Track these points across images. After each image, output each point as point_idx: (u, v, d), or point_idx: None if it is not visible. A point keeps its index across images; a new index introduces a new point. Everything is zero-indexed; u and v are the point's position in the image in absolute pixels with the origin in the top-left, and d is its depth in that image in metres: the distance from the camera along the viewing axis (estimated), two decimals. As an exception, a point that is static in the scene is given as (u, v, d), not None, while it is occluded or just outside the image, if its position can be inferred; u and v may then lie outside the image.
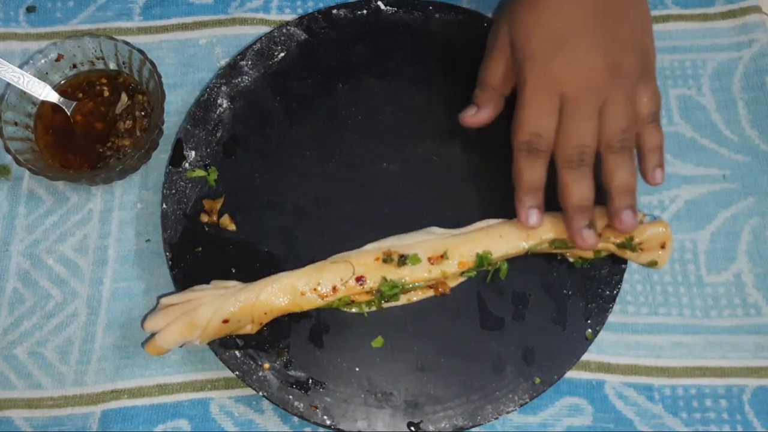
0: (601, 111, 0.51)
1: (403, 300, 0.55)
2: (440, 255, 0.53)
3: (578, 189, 0.52)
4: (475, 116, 0.57)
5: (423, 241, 0.54)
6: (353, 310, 0.55)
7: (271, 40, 0.63)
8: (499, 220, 0.56)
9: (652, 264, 0.55)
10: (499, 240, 0.54)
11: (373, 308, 0.55)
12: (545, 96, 0.51)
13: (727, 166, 0.62)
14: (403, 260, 0.53)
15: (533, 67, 0.52)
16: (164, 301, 0.52)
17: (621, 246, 0.54)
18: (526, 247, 0.54)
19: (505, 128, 0.60)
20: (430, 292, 0.55)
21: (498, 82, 0.56)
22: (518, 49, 0.53)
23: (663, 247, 0.54)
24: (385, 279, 0.53)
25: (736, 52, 0.66)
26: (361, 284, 0.52)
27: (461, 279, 0.56)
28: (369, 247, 0.55)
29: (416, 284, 0.54)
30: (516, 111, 0.53)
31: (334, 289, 0.52)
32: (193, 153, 0.60)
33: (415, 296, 0.55)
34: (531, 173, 0.53)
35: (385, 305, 0.55)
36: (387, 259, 0.53)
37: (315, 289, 0.52)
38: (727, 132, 0.63)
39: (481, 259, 0.54)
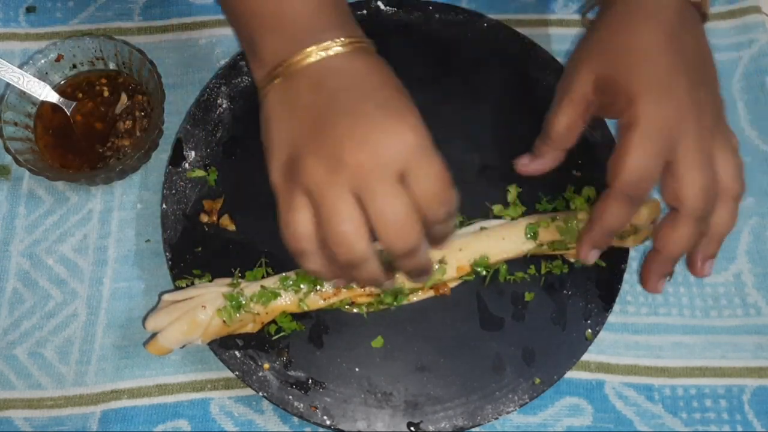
0: (711, 152, 0.48)
1: (403, 301, 0.55)
2: (439, 260, 0.53)
3: (690, 241, 0.49)
4: (529, 166, 0.55)
5: None
6: (354, 310, 0.55)
7: (271, 40, 0.63)
8: (499, 221, 0.56)
9: (646, 239, 0.55)
10: (500, 242, 0.54)
11: (372, 309, 0.55)
12: (659, 136, 0.47)
13: (727, 167, 0.62)
14: None
15: (648, 106, 0.47)
16: (166, 297, 0.52)
17: (621, 237, 0.54)
18: (526, 249, 0.54)
19: (506, 127, 0.60)
20: (431, 293, 0.55)
21: (562, 132, 0.53)
22: (622, 91, 0.49)
23: (653, 221, 0.54)
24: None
25: (736, 53, 0.66)
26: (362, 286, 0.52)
27: (461, 280, 0.56)
28: None
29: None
30: (622, 151, 0.47)
31: (336, 290, 0.52)
32: (193, 153, 0.60)
33: (416, 297, 0.55)
34: (617, 219, 0.50)
35: (384, 306, 0.55)
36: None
37: (317, 290, 0.52)
38: (727, 132, 0.63)
39: (479, 265, 0.54)
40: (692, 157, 0.47)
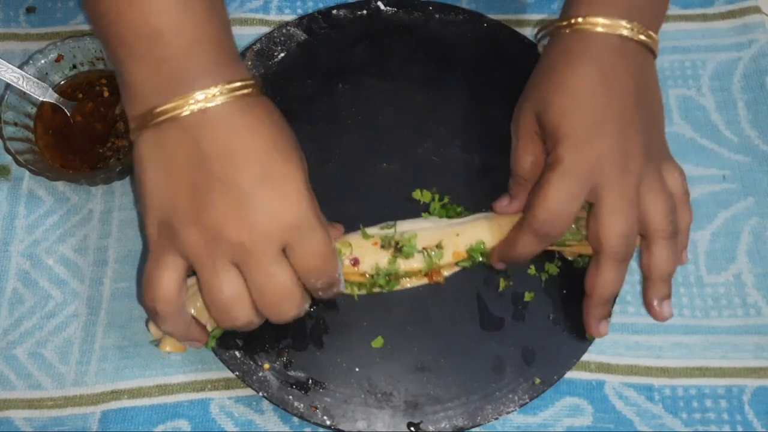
0: (638, 194, 0.48)
1: (396, 286, 0.55)
2: (435, 245, 0.54)
3: (615, 283, 0.50)
4: (508, 207, 0.55)
5: (421, 230, 0.55)
6: (346, 291, 0.55)
7: (271, 40, 0.63)
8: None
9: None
10: (497, 230, 0.54)
11: (363, 291, 0.55)
12: (579, 179, 0.48)
13: (727, 167, 0.62)
14: (399, 248, 0.53)
15: (571, 148, 0.48)
16: None
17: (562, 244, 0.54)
18: None
19: (506, 127, 0.60)
20: (424, 280, 0.55)
21: (528, 171, 0.53)
22: (551, 131, 0.50)
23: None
24: (379, 268, 0.53)
25: (736, 53, 0.66)
26: (354, 265, 0.53)
27: (456, 268, 0.56)
28: (370, 230, 0.55)
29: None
30: (539, 187, 0.49)
31: None
32: (193, 153, 0.60)
33: (409, 283, 0.55)
34: (525, 250, 0.51)
35: (377, 290, 0.55)
36: (385, 244, 0.53)
37: None
38: (727, 132, 0.63)
39: (475, 251, 0.54)
40: (613, 201, 0.48)
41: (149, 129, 0.44)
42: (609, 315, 0.52)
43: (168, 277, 0.44)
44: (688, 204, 0.52)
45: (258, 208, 0.42)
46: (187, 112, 0.43)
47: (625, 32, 0.49)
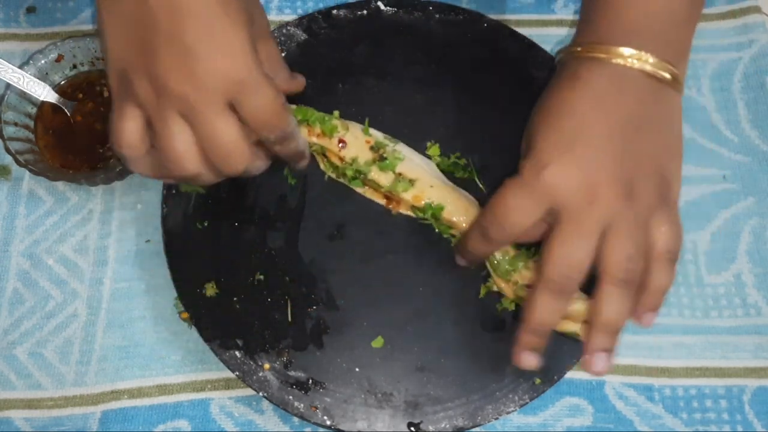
0: (603, 232, 0.45)
1: (358, 190, 0.57)
2: (409, 179, 0.55)
3: (545, 314, 0.47)
4: None
5: (411, 161, 0.56)
6: (321, 165, 0.58)
7: (271, 40, 0.63)
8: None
9: (575, 335, 0.52)
10: (464, 209, 0.54)
11: (333, 175, 0.58)
12: (533, 195, 0.46)
13: (727, 167, 0.62)
14: (382, 159, 0.55)
15: (532, 163, 0.47)
16: None
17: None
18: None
19: (506, 127, 0.60)
20: (383, 201, 0.58)
21: None
22: (525, 147, 0.49)
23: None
24: (355, 161, 0.55)
25: (736, 53, 0.66)
26: (340, 146, 0.55)
27: (410, 213, 0.57)
28: (374, 132, 0.57)
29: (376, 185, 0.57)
30: (494, 196, 0.48)
31: (321, 134, 0.55)
32: (193, 153, 0.60)
33: (368, 194, 0.58)
34: (474, 249, 0.51)
35: (342, 180, 0.58)
36: (374, 147, 0.56)
37: (308, 123, 0.55)
38: (727, 132, 0.64)
39: (431, 208, 0.55)
40: (565, 230, 0.46)
41: None
42: (540, 349, 0.48)
43: (129, 126, 0.45)
44: (670, 266, 0.47)
45: (200, 62, 0.43)
46: None
47: (629, 62, 0.47)
